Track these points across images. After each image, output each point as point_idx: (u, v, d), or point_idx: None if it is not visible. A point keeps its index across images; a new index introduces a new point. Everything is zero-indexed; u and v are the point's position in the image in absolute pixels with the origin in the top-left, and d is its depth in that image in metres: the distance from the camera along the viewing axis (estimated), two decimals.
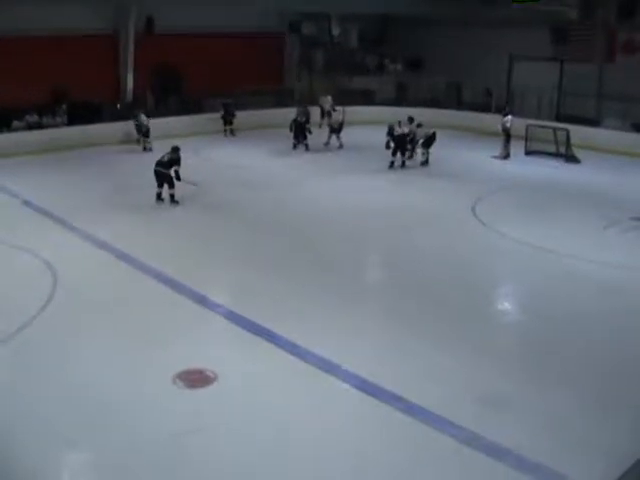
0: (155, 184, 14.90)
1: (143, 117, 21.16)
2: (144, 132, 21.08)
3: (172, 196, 14.96)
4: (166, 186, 14.89)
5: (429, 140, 19.08)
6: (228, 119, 23.56)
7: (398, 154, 18.67)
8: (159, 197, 15.04)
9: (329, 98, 23.93)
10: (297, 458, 6.54)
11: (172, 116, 23.41)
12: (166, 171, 14.74)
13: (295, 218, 14.41)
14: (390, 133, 18.53)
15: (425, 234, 13.43)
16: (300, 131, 21.35)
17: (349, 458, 6.53)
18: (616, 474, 3.61)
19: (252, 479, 6.21)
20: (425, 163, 19.23)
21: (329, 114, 22.80)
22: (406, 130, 18.79)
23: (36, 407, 7.31)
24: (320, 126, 22.68)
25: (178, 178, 14.82)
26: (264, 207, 15.15)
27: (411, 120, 19.36)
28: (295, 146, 21.44)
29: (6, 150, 19.24)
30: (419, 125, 19.20)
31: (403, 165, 18.87)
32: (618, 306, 10.03)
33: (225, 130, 23.63)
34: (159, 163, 14.82)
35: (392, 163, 18.75)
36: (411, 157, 19.25)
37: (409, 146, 19.13)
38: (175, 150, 14.90)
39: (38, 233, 13.07)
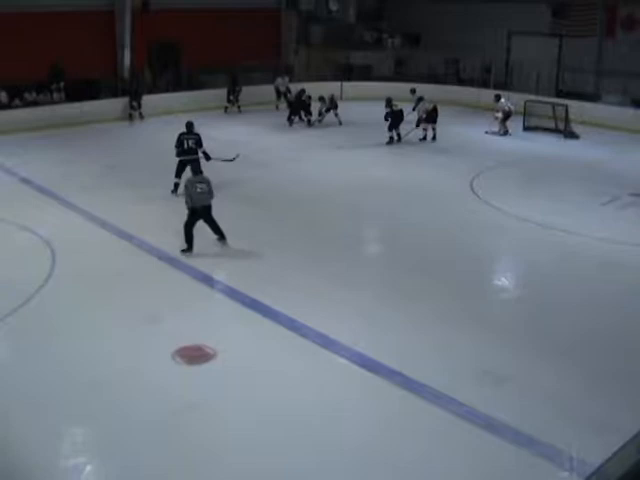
0: (173, 172, 13.71)
1: None
2: None
3: None
4: (188, 168, 12.53)
5: (432, 115, 18.96)
6: (233, 98, 23.33)
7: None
8: (176, 188, 13.47)
9: (286, 80, 24.23)
10: (297, 434, 6.59)
11: (170, 92, 23.43)
12: (197, 157, 13.46)
13: (294, 194, 14.39)
14: (389, 106, 18.46)
15: (423, 209, 13.43)
16: (303, 107, 21.33)
17: (347, 432, 6.57)
18: (614, 448, 3.64)
19: (253, 454, 6.25)
20: (433, 139, 19.14)
21: (285, 95, 23.04)
22: (430, 106, 18.86)
23: (35, 383, 7.34)
24: (277, 107, 22.79)
25: (208, 158, 13.62)
26: (264, 183, 15.10)
27: (413, 91, 19.76)
28: (292, 122, 21.34)
29: (3, 128, 19.13)
30: (420, 99, 19.15)
31: (399, 140, 18.78)
32: (617, 281, 10.07)
33: (226, 107, 23.35)
34: (187, 152, 13.42)
35: (391, 139, 18.69)
36: (418, 126, 19.03)
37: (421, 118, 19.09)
38: (190, 128, 13.68)
39: (36, 211, 13.03)
